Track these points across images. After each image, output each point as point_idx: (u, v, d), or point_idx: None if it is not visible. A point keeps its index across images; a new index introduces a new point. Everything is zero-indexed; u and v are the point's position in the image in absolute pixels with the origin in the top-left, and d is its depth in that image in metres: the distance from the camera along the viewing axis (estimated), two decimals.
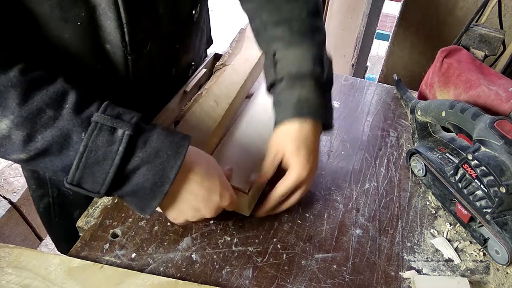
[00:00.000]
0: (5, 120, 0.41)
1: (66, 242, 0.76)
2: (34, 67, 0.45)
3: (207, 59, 0.80)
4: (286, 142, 0.57)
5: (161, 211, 0.53)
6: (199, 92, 0.71)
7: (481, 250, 0.59)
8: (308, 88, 0.57)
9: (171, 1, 0.58)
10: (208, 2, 0.76)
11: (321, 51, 0.59)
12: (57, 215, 0.75)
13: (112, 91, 0.60)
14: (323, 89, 0.58)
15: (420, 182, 0.69)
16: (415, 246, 0.59)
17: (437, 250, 0.59)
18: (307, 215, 0.63)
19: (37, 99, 0.43)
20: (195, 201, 0.51)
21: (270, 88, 0.61)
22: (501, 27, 0.91)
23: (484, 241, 0.58)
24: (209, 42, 0.85)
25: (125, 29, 0.52)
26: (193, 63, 0.77)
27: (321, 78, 0.58)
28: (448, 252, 0.58)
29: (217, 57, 0.82)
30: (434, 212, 0.64)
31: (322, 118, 0.58)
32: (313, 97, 0.57)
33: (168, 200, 0.49)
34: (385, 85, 0.90)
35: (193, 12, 0.64)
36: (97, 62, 0.55)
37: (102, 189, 0.45)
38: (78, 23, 0.49)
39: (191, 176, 0.50)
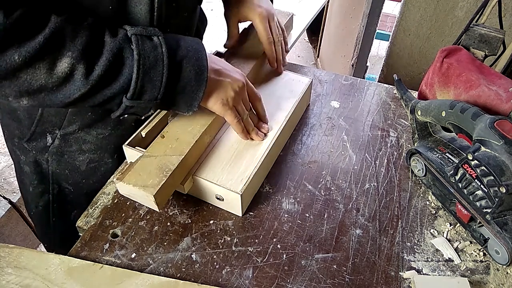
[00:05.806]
0: (64, 58, 0.45)
1: (60, 246, 0.76)
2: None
3: None
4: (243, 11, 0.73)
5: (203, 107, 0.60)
6: None
7: (481, 250, 0.59)
8: None
9: None
10: (208, 2, 0.77)
11: None
12: (56, 215, 0.76)
13: None
14: None
15: (420, 182, 0.69)
16: (415, 246, 0.59)
17: (437, 250, 0.59)
18: (307, 215, 0.63)
19: (82, 34, 0.46)
20: (224, 79, 0.59)
21: None
22: (501, 27, 0.91)
23: (484, 241, 0.58)
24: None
25: (155, 14, 0.54)
26: None
27: None
28: (448, 252, 0.58)
29: (218, 55, 0.82)
30: (434, 212, 0.64)
31: None
32: None
33: (206, 91, 0.56)
34: (385, 85, 0.90)
35: None
36: None
37: (160, 92, 0.51)
38: (110, 7, 0.51)
39: (214, 65, 0.59)
